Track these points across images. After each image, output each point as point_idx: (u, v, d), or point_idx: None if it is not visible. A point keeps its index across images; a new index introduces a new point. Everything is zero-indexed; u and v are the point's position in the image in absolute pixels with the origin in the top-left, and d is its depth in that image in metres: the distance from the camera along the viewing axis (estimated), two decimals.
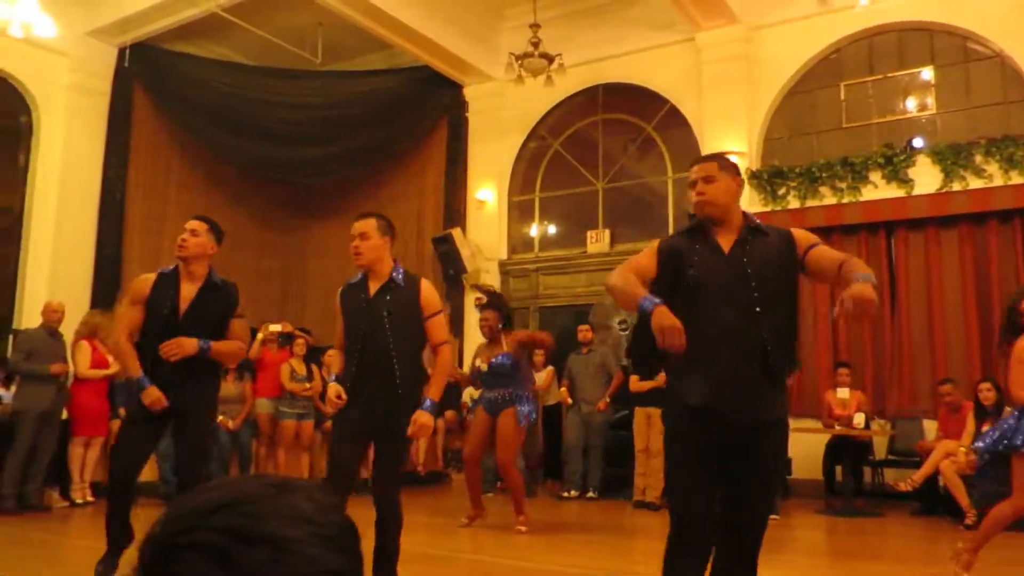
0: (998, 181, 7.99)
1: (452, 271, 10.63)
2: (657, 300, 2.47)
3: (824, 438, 7.77)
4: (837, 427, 7.39)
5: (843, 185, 8.71)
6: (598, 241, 10.27)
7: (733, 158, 10.14)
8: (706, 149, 9.40)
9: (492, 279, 10.41)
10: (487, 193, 11.04)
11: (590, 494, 8.13)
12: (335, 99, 11.27)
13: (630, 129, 10.56)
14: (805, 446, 7.90)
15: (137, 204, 10.29)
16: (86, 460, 7.17)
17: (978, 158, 8.10)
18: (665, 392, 2.88)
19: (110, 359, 7.28)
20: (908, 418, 8.05)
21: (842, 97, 9.28)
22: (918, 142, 8.63)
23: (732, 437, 2.56)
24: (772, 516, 6.81)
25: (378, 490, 3.55)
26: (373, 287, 3.65)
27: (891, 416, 8.14)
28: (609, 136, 10.71)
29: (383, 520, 3.49)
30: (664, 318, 2.40)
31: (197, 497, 0.73)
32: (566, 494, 8.21)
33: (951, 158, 8.21)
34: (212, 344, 3.95)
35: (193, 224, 4.10)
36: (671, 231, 9.87)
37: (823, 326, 8.62)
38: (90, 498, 7.09)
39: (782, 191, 9.04)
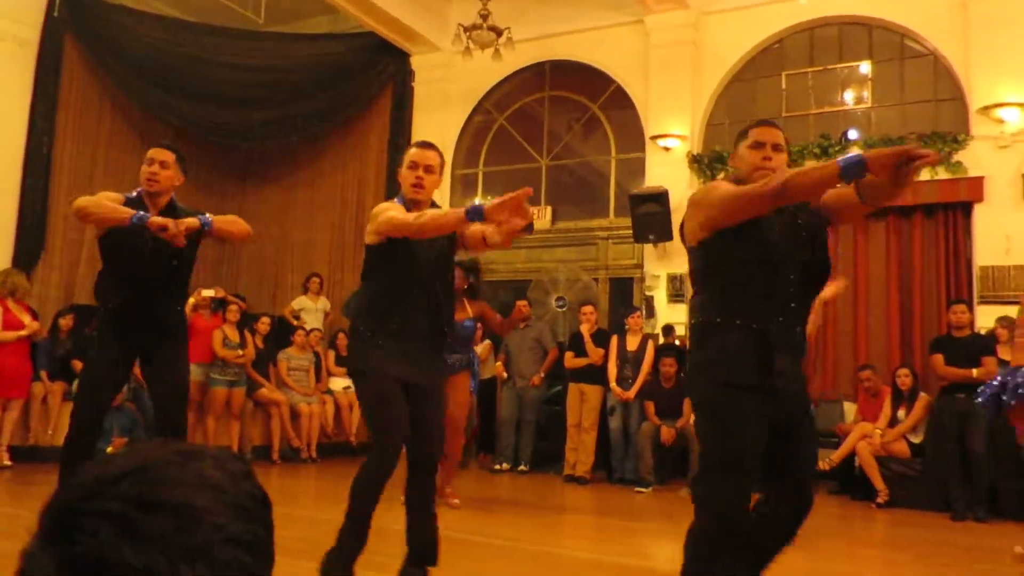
0: (925, 176, 8.27)
1: None
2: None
3: None
4: None
5: None
6: (540, 218, 10.30)
7: (675, 142, 10.27)
8: (651, 131, 9.52)
9: None
10: None
11: (521, 467, 8.23)
12: (278, 62, 11.00)
13: (576, 108, 10.58)
14: None
15: (65, 160, 9.88)
16: (4, 423, 6.94)
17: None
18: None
19: (26, 319, 7.06)
20: (830, 401, 8.36)
21: (783, 87, 9.46)
22: (853, 134, 8.87)
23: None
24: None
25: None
26: None
27: (814, 399, 8.42)
28: (555, 114, 10.72)
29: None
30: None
31: (102, 465, 0.72)
32: (498, 467, 8.29)
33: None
34: (213, 219, 3.60)
35: (162, 155, 3.69)
36: (612, 212, 9.99)
37: None
38: (7, 462, 6.87)
39: (722, 176, 9.18)
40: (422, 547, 3.23)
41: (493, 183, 11.00)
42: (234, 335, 8.15)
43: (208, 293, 8.26)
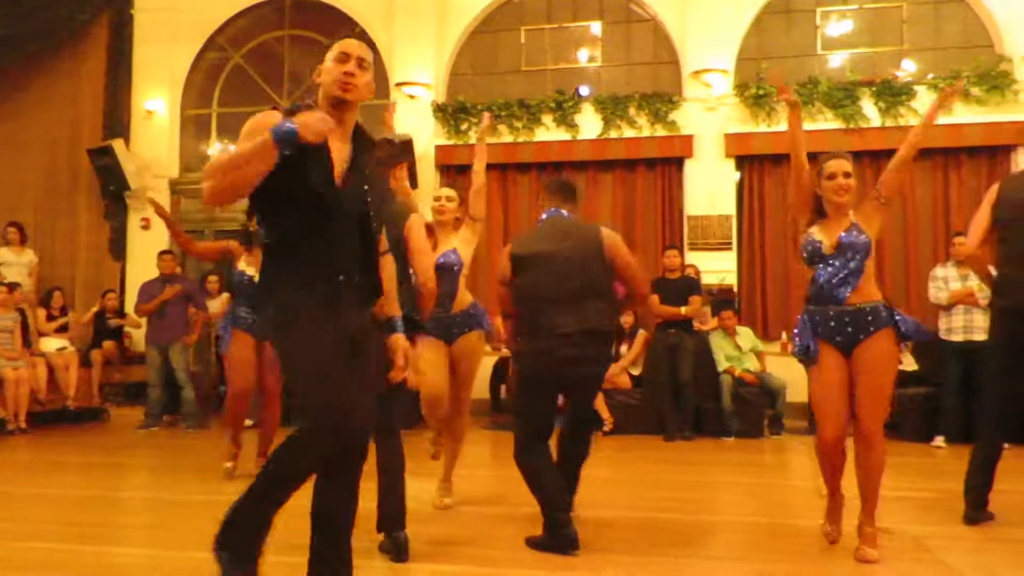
0: (646, 132, 9.05)
1: (113, 187, 9.58)
2: None
3: (492, 360, 8.38)
4: (504, 349, 7.99)
5: (519, 125, 9.27)
6: None
7: (420, 90, 10.19)
8: (395, 78, 9.43)
9: (161, 199, 9.55)
10: (157, 103, 10.04)
11: None
12: None
13: (319, 49, 10.18)
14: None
15: None
16: None
17: (632, 110, 9.08)
18: None
19: None
20: None
21: (522, 41, 9.80)
22: (584, 91, 9.42)
23: None
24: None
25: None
26: None
27: None
28: (296, 54, 10.25)
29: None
30: None
31: None
32: None
33: (610, 108, 9.11)
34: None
35: None
36: None
37: (496, 254, 9.20)
38: None
39: (465, 126, 9.37)
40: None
41: (230, 126, 10.33)
42: None
43: None
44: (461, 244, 4.17)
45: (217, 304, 8.39)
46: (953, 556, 3.35)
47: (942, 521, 3.95)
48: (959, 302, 6.61)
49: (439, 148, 9.38)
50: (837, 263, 3.22)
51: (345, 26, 9.79)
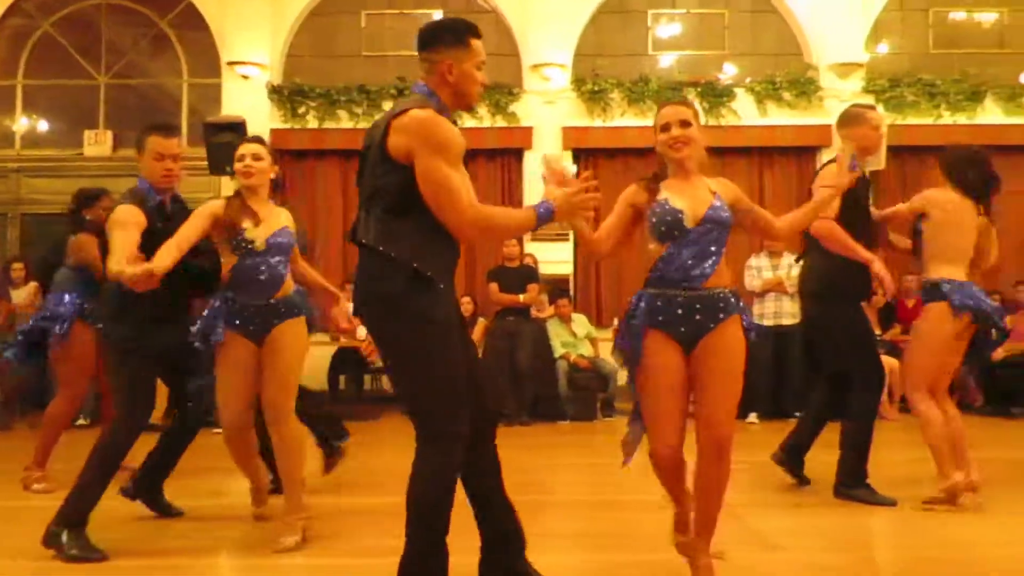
0: (487, 123, 9.15)
1: None
2: None
3: (331, 350, 8.22)
4: (343, 340, 7.86)
5: (359, 111, 9.12)
6: (98, 143, 9.19)
7: (254, 71, 9.82)
8: (227, 56, 9.01)
9: None
10: None
11: None
12: None
13: (141, 21, 9.54)
14: (312, 359, 8.25)
15: None
16: None
17: None
18: None
19: None
20: None
21: (363, 25, 9.63)
22: None
23: None
24: None
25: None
26: None
27: None
28: (115, 25, 9.55)
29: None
30: None
31: None
32: None
33: None
34: None
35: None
36: (185, 140, 9.28)
37: (335, 243, 9.02)
38: None
39: (302, 110, 9.10)
40: None
41: (37, 99, 9.50)
42: None
43: None
44: (289, 220, 3.49)
45: (23, 294, 7.69)
46: (760, 522, 3.65)
47: (752, 490, 4.28)
48: (770, 289, 7.19)
49: (275, 132, 9.04)
50: (699, 240, 2.65)
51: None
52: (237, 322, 3.32)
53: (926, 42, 9.79)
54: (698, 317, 2.62)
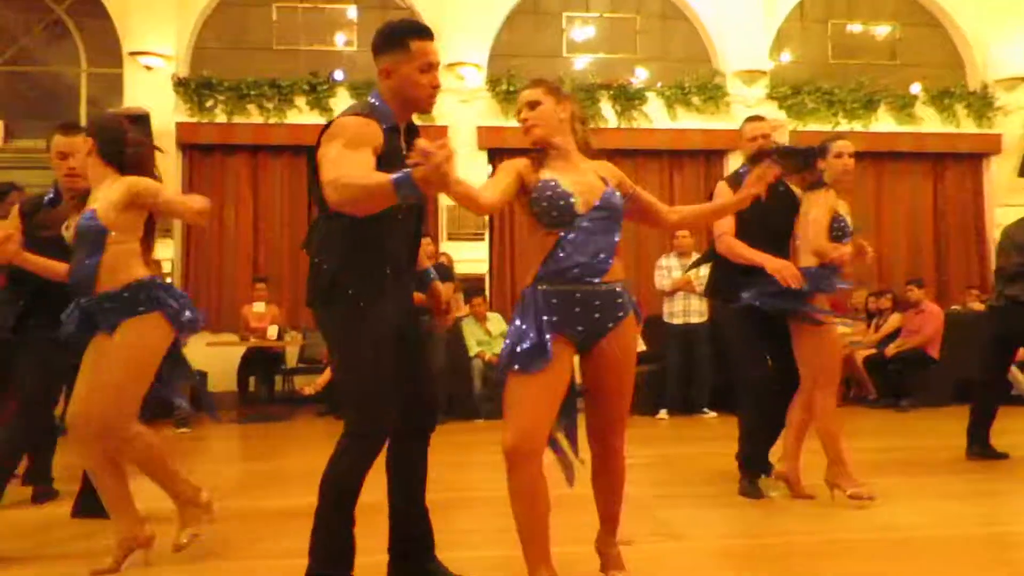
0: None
1: None
2: None
3: (240, 350, 8.02)
4: (253, 339, 7.68)
5: (270, 106, 8.92)
6: None
7: (158, 61, 9.51)
8: (129, 46, 8.67)
9: None
10: None
11: None
12: None
13: (37, 7, 9.08)
14: (222, 359, 8.06)
15: None
16: None
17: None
18: None
19: None
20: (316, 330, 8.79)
21: (274, 18, 9.42)
22: (339, 75, 9.26)
23: None
24: (183, 430, 6.86)
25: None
26: None
27: (303, 328, 8.77)
28: (7, 10, 9.06)
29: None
30: None
31: None
32: None
33: (366, 94, 8.98)
34: None
35: None
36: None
37: (245, 240, 8.79)
38: None
39: (210, 103, 8.84)
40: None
41: None
42: None
43: None
44: (105, 202, 2.91)
45: None
46: (667, 512, 3.76)
47: (662, 483, 4.41)
48: (679, 289, 7.39)
49: (181, 126, 8.76)
50: (595, 228, 2.39)
51: None
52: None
53: (825, 52, 10.26)
54: (597, 315, 2.39)
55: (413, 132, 2.57)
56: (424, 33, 2.46)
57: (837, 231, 3.87)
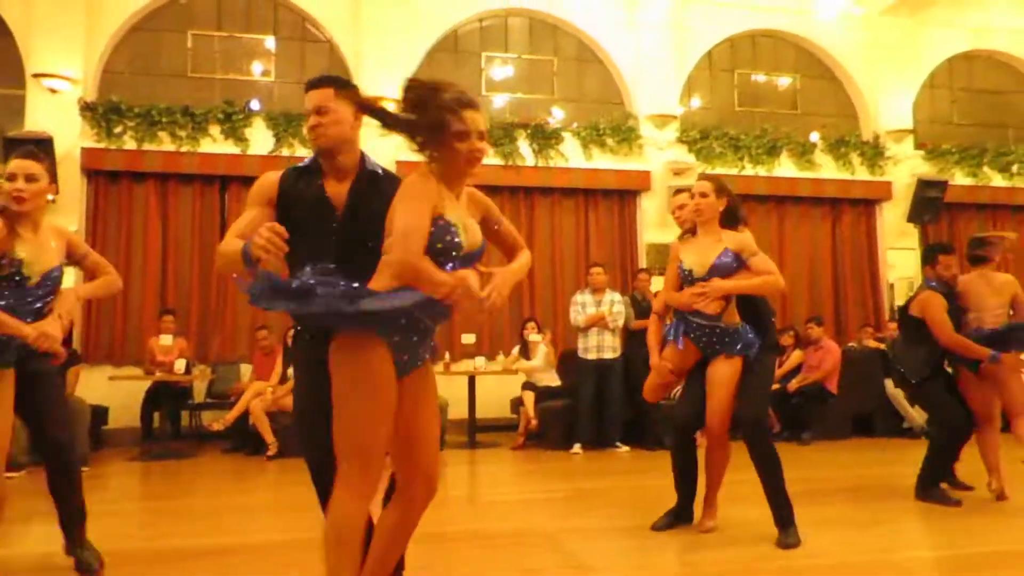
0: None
1: None
2: None
3: (144, 385, 7.74)
4: (159, 373, 7.42)
5: (183, 133, 8.72)
6: None
7: (64, 84, 9.17)
8: (31, 67, 8.38)
9: None
10: None
11: None
12: None
13: None
14: (124, 393, 7.76)
15: None
16: None
17: (305, 130, 8.97)
18: None
19: None
20: (228, 363, 8.56)
21: (189, 45, 9.26)
22: (255, 105, 9.15)
23: None
24: (83, 468, 6.53)
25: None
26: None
27: (212, 361, 8.53)
28: None
29: None
30: None
31: None
32: None
33: (283, 125, 8.97)
34: None
35: None
36: None
37: (152, 270, 8.52)
38: None
39: (119, 129, 8.58)
40: None
41: None
42: None
43: None
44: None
45: None
46: (577, 545, 3.81)
47: (573, 516, 4.46)
48: (593, 324, 7.53)
49: (86, 151, 8.46)
50: (470, 264, 2.31)
51: None
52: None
53: (732, 100, 10.75)
54: (420, 348, 2.32)
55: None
56: (321, 81, 2.60)
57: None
